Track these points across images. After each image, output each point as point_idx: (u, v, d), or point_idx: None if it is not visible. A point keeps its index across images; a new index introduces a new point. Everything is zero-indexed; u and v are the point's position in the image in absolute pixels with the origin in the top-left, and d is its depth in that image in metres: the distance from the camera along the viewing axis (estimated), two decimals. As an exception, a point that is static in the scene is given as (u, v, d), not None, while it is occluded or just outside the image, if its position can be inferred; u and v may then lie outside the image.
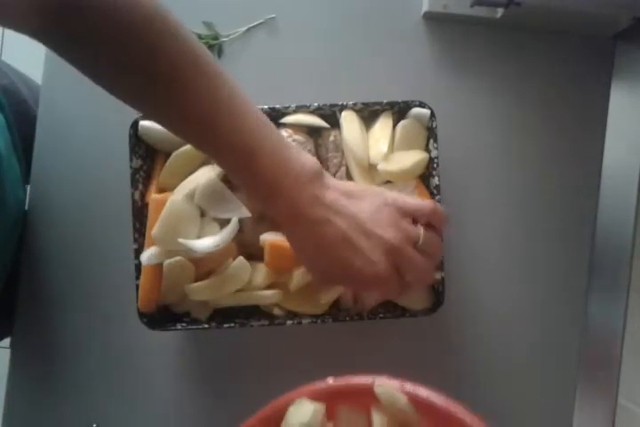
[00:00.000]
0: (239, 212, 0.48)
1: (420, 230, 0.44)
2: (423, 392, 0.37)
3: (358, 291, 0.51)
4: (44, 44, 0.36)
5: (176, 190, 0.50)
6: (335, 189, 0.43)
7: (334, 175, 0.51)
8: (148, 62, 0.37)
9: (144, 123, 0.50)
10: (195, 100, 0.38)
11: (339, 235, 0.41)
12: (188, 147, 0.51)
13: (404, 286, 0.45)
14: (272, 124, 0.42)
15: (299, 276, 0.49)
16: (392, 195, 0.45)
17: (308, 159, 0.42)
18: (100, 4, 0.35)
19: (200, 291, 0.49)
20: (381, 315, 0.51)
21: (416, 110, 0.52)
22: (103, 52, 0.37)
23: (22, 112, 0.63)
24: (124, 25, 0.35)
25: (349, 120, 0.52)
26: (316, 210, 0.41)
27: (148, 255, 0.48)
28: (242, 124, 0.40)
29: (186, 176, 0.50)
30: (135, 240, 0.50)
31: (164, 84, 0.38)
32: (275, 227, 0.49)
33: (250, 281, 0.50)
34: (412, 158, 0.51)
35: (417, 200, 0.46)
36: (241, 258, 0.49)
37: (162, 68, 0.37)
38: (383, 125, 0.52)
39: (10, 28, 0.34)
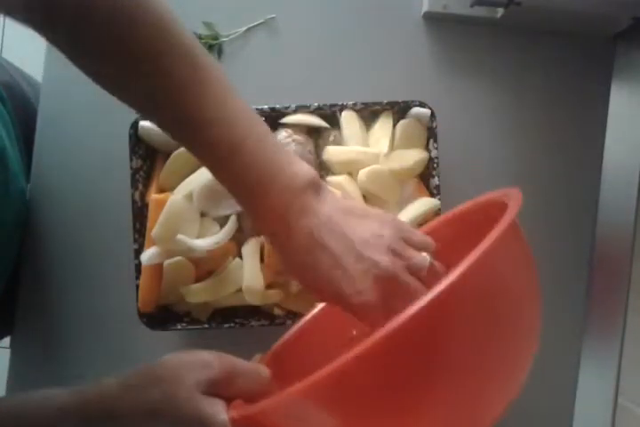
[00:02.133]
0: (237, 207, 0.48)
1: (427, 257, 0.38)
2: None
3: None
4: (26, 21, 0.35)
5: (176, 190, 0.50)
6: (333, 203, 0.38)
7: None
8: (129, 47, 0.35)
9: (144, 123, 0.50)
10: (178, 88, 0.36)
11: (328, 258, 0.37)
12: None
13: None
14: (265, 126, 0.39)
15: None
16: (399, 220, 0.41)
17: (304, 166, 0.38)
18: None
19: (197, 293, 0.49)
20: (381, 315, 0.51)
21: (416, 110, 0.52)
22: (81, 34, 0.35)
23: (23, 108, 0.63)
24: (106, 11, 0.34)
25: (349, 120, 0.52)
26: (306, 226, 0.37)
27: (148, 255, 0.48)
28: (226, 116, 0.37)
29: (186, 176, 0.50)
30: (135, 240, 0.50)
31: (146, 71, 0.36)
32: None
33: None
34: (413, 157, 0.51)
35: (421, 235, 0.41)
36: (238, 260, 0.49)
37: (143, 55, 0.35)
38: (383, 125, 0.52)
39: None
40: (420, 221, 0.51)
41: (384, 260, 0.37)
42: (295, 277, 0.41)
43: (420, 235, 0.40)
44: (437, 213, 0.51)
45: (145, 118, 0.38)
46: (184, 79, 0.36)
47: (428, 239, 0.40)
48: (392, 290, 0.37)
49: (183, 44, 0.37)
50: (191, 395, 0.37)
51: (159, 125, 0.40)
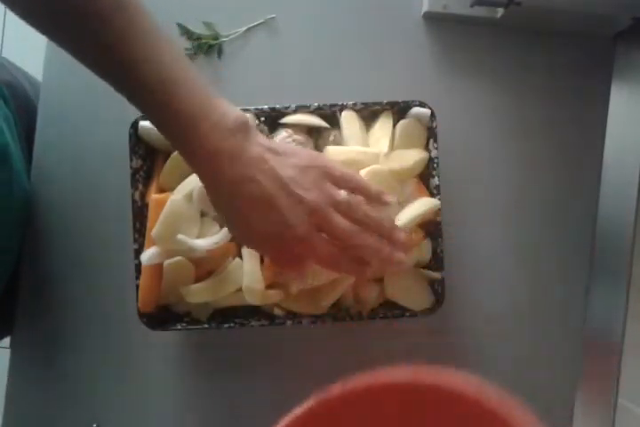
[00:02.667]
0: None
1: (343, 193, 0.42)
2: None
3: (281, 258, 0.46)
4: None
5: (176, 190, 0.50)
6: (261, 144, 0.41)
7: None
8: None
9: (144, 123, 0.50)
10: (108, 29, 0.37)
11: (259, 193, 0.39)
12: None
13: (358, 261, 0.43)
14: (193, 65, 0.40)
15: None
16: (322, 158, 0.44)
17: (235, 110, 0.40)
18: None
19: (197, 293, 0.49)
20: (381, 315, 0.51)
21: (416, 110, 0.52)
22: None
23: (26, 107, 0.63)
24: None
25: (349, 120, 0.52)
26: (237, 165, 0.39)
27: (148, 255, 0.48)
28: (158, 56, 0.38)
29: (186, 176, 0.50)
30: (135, 240, 0.50)
31: (77, 14, 0.37)
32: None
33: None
34: (412, 157, 0.51)
35: (345, 169, 0.44)
36: (238, 260, 0.49)
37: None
38: (383, 125, 0.52)
39: None
40: (420, 222, 0.51)
41: (311, 196, 0.40)
42: (230, 225, 0.43)
43: (341, 170, 0.43)
44: (437, 213, 0.51)
45: (80, 61, 0.39)
46: (116, 19, 0.37)
47: (348, 172, 0.44)
48: (322, 224, 0.41)
49: None
50: None
51: (89, 67, 0.40)
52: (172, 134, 0.40)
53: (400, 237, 0.45)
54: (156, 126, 0.40)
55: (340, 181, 0.43)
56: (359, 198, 0.44)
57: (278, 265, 0.48)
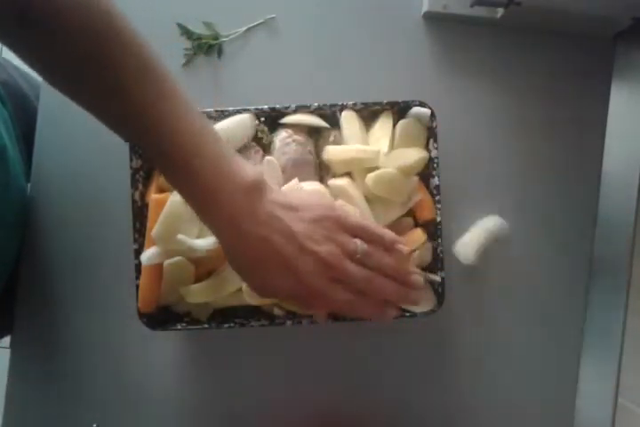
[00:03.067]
0: None
1: (358, 242, 0.43)
2: None
3: (301, 308, 0.50)
4: None
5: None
6: (275, 201, 0.42)
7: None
8: (98, 70, 0.37)
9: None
10: (139, 99, 0.38)
11: (273, 253, 0.41)
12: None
13: (376, 304, 0.44)
14: (216, 132, 0.41)
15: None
16: (335, 207, 0.45)
17: (250, 170, 0.41)
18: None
19: (197, 293, 0.49)
20: (381, 315, 0.51)
21: (416, 109, 0.52)
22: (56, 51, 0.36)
23: (23, 107, 0.63)
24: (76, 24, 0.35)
25: (349, 120, 0.52)
26: (251, 225, 0.40)
27: (148, 255, 0.48)
28: (185, 126, 0.39)
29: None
30: (135, 240, 0.50)
31: (111, 85, 0.38)
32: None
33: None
34: (413, 156, 0.51)
35: (361, 219, 0.46)
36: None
37: (109, 72, 0.37)
38: (383, 125, 0.52)
39: None
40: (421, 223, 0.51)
41: (323, 250, 0.41)
42: (244, 276, 0.43)
43: (354, 219, 0.44)
44: (437, 213, 0.51)
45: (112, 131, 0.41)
46: (147, 93, 0.38)
47: (363, 222, 0.45)
48: (336, 276, 0.42)
49: (149, 60, 0.39)
50: None
51: (122, 136, 0.41)
52: (191, 201, 0.41)
53: (415, 281, 0.46)
54: (176, 190, 0.42)
55: (355, 230, 0.44)
56: (375, 248, 0.45)
57: (298, 307, 0.50)
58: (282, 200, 0.42)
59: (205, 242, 0.48)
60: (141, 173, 0.51)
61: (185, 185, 0.41)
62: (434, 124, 0.51)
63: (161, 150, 0.39)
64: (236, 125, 0.51)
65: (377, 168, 0.50)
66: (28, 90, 0.66)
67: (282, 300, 0.49)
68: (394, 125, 0.52)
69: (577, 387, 0.56)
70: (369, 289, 0.43)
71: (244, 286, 0.49)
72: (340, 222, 0.43)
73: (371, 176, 0.50)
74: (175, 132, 0.39)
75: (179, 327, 0.50)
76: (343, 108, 0.52)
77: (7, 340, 0.60)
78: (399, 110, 0.53)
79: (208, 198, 0.40)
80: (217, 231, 0.42)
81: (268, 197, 0.42)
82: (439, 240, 0.51)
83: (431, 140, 0.51)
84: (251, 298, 0.49)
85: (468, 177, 0.57)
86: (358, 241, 0.43)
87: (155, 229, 0.47)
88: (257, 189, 0.41)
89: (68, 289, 0.56)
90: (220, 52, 0.58)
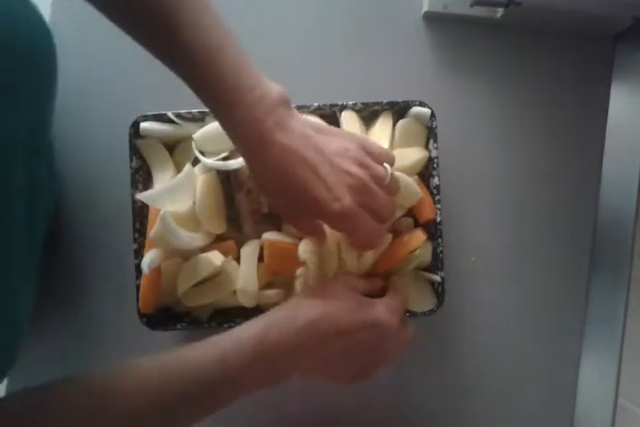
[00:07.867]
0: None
1: (388, 168, 0.43)
2: None
3: (303, 226, 0.45)
4: None
5: (176, 190, 0.50)
6: (303, 120, 0.41)
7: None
8: None
9: (144, 123, 0.50)
10: None
11: (305, 165, 0.39)
12: (187, 147, 0.51)
13: (375, 227, 0.43)
14: (238, 41, 0.40)
15: (300, 276, 0.49)
16: (361, 136, 0.45)
17: (276, 85, 0.40)
18: None
19: (194, 296, 0.49)
20: (381, 315, 0.51)
21: (416, 109, 0.52)
22: None
23: None
24: None
25: (349, 120, 0.52)
26: (282, 136, 0.39)
27: (149, 261, 0.48)
28: (203, 21, 0.38)
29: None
30: (135, 240, 0.50)
31: None
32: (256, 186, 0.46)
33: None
34: (413, 156, 0.51)
35: (382, 147, 0.46)
36: (234, 262, 0.49)
37: None
38: (383, 125, 0.52)
39: None
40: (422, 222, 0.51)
41: (354, 169, 0.41)
42: (270, 191, 0.42)
43: (380, 148, 0.44)
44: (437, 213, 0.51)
45: (124, 29, 0.39)
46: None
47: (387, 151, 0.45)
48: (362, 198, 0.41)
49: None
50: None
51: (137, 34, 0.39)
52: (216, 104, 0.39)
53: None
54: (198, 94, 0.39)
55: (379, 157, 0.44)
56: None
57: (300, 230, 0.47)
58: (311, 121, 0.42)
59: (204, 240, 0.48)
60: (141, 173, 0.51)
61: (208, 84, 0.38)
62: (433, 124, 0.51)
63: (179, 42, 0.37)
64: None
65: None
66: None
67: (294, 220, 0.45)
68: (394, 125, 0.52)
69: (577, 387, 0.57)
70: (392, 218, 0.44)
71: (238, 287, 0.49)
72: (367, 149, 0.43)
73: None
74: (196, 23, 0.37)
75: (179, 327, 0.50)
76: (343, 108, 0.52)
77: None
78: (399, 110, 0.53)
79: (234, 99, 0.38)
80: (242, 140, 0.40)
81: (296, 114, 0.41)
82: (439, 240, 0.51)
83: (431, 140, 0.51)
84: (244, 300, 0.49)
85: (468, 177, 0.57)
86: (388, 166, 0.43)
87: (152, 230, 0.47)
88: (285, 102, 0.40)
89: (67, 289, 0.56)
90: (219, 52, 0.58)
